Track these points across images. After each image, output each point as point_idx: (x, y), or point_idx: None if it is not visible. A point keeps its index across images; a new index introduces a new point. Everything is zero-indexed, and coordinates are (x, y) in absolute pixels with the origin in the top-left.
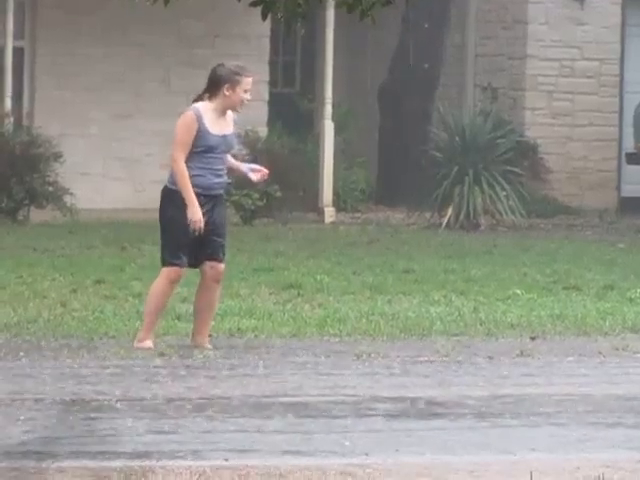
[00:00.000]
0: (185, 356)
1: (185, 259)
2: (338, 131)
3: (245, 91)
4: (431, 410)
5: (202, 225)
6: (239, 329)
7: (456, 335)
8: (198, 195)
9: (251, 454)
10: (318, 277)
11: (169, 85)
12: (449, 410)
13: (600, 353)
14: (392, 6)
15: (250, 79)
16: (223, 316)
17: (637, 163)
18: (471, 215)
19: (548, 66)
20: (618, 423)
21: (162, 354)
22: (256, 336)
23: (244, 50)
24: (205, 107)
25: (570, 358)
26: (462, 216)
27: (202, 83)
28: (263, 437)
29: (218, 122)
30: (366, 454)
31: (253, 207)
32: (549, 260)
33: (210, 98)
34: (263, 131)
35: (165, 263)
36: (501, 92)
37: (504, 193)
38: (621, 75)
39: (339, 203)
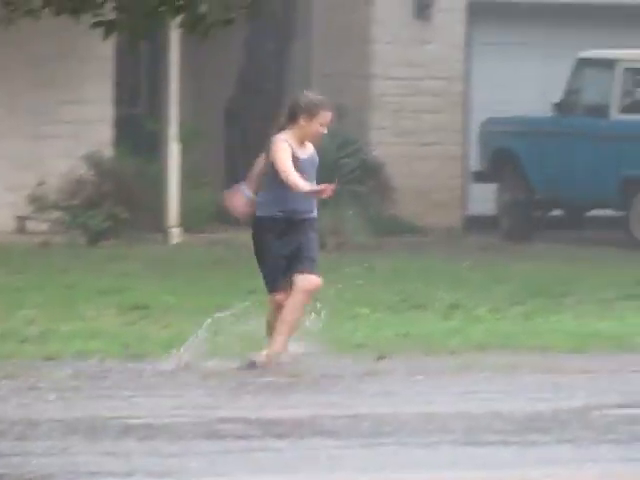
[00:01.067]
0: (33, 378)
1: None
2: (184, 151)
3: (321, 124)
4: (272, 430)
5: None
6: (86, 351)
7: (305, 355)
8: (289, 220)
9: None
10: (165, 297)
11: (14, 106)
12: (288, 430)
13: (446, 372)
14: (237, 26)
15: (328, 113)
16: (70, 338)
17: (482, 181)
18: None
19: (393, 85)
20: (462, 441)
21: (8, 376)
22: (103, 358)
23: (90, 70)
24: (287, 136)
25: (417, 377)
26: None
27: (48, 104)
28: (93, 459)
29: (301, 147)
30: (197, 477)
31: (99, 228)
32: (396, 279)
33: (289, 127)
34: (109, 152)
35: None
36: (347, 112)
37: (350, 213)
38: (466, 94)
39: (185, 223)
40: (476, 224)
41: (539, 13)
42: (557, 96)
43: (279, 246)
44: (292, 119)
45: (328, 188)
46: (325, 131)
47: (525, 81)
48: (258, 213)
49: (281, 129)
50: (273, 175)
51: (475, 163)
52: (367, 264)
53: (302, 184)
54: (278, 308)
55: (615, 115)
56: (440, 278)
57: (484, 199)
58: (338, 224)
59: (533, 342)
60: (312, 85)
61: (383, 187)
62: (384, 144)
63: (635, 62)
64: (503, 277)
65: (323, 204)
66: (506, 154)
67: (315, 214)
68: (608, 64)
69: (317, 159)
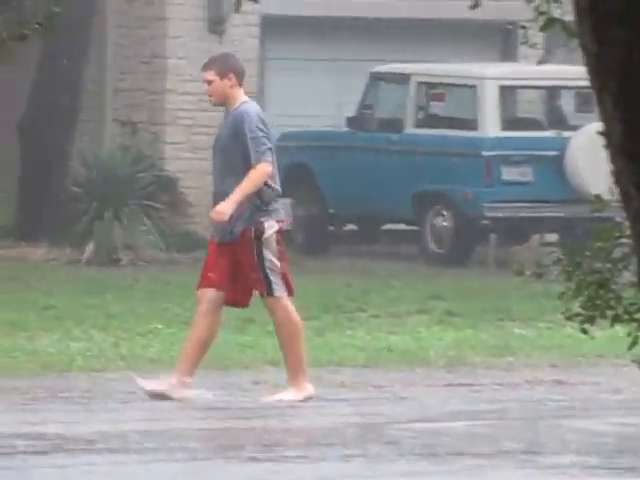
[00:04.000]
0: None
1: None
2: None
3: None
4: (64, 446)
5: None
6: None
7: (97, 371)
8: None
9: None
10: None
11: None
12: (87, 446)
13: (240, 387)
14: (30, 41)
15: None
16: None
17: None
18: (111, 250)
19: (187, 100)
20: (253, 457)
21: None
22: None
23: None
24: None
25: (216, 392)
26: (103, 251)
27: None
28: None
29: None
30: None
31: None
32: (189, 294)
33: None
34: None
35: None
36: (141, 127)
37: (144, 228)
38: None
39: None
40: None
41: (332, 27)
42: (351, 110)
43: None
44: None
45: None
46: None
47: (320, 96)
48: None
49: None
50: None
51: None
52: (160, 279)
53: None
54: None
55: (409, 129)
56: None
57: None
58: (132, 239)
59: (326, 357)
60: (105, 100)
61: (177, 202)
62: (178, 159)
63: (428, 76)
64: (297, 292)
65: (117, 219)
66: (300, 168)
67: None
68: (402, 79)
69: None
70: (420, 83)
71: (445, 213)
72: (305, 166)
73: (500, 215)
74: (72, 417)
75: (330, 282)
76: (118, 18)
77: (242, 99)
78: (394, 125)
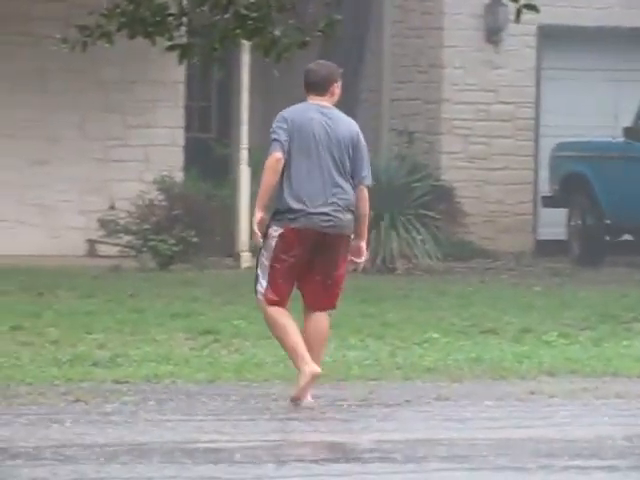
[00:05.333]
0: (103, 402)
1: None
2: (254, 176)
3: None
4: (349, 455)
5: None
6: (156, 375)
7: (374, 380)
8: None
9: None
10: (235, 322)
11: (84, 130)
12: (366, 455)
13: (517, 397)
14: (308, 49)
15: None
16: (140, 362)
17: (553, 206)
18: (387, 259)
19: (464, 110)
20: (535, 467)
21: (78, 400)
22: (173, 382)
23: (160, 95)
24: None
25: (487, 402)
26: (379, 260)
27: (118, 129)
28: None
29: None
30: None
31: (169, 252)
32: (466, 304)
33: None
34: (179, 176)
35: None
36: (417, 136)
37: (420, 237)
38: (536, 119)
39: (256, 248)
40: (546, 249)
41: (608, 37)
42: (628, 120)
43: None
44: None
45: None
46: None
47: (595, 105)
48: None
49: None
50: None
51: (545, 188)
52: (436, 289)
53: None
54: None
55: None
56: (510, 303)
57: (554, 224)
58: (408, 248)
59: (603, 367)
60: (382, 109)
61: (453, 212)
62: (454, 169)
63: None
64: (573, 302)
65: (393, 228)
66: (576, 179)
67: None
68: None
69: None
70: None
71: None
72: (582, 176)
73: None
74: (348, 426)
75: (607, 292)
76: (395, 28)
77: None
78: None
